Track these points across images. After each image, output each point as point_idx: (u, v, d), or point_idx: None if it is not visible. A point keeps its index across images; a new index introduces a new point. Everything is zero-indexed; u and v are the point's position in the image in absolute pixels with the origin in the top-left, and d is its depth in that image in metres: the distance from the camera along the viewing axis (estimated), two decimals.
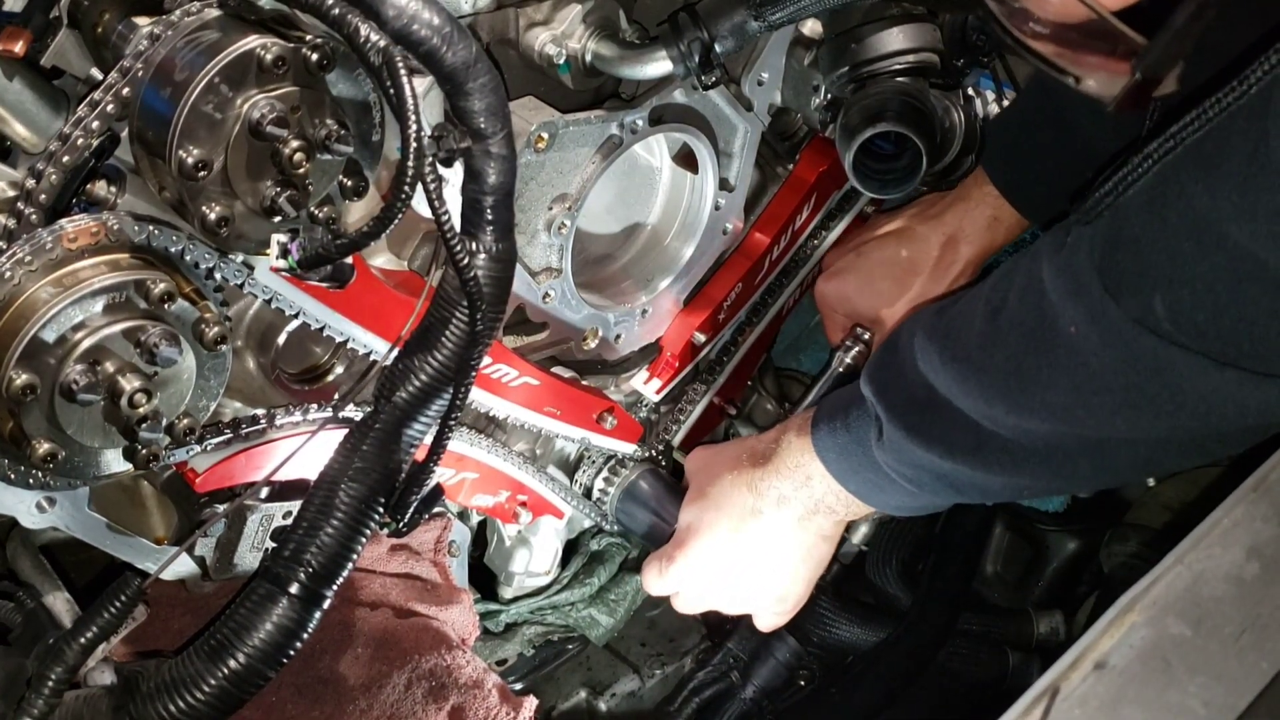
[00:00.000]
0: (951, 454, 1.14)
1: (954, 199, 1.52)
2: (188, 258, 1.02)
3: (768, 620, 1.44)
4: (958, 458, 1.14)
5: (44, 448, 0.94)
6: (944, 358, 1.13)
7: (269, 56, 0.93)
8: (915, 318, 1.21)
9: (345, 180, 1.02)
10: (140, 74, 0.93)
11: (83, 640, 1.04)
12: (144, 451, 1.00)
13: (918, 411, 1.15)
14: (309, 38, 0.95)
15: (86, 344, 0.94)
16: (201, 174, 0.92)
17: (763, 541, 1.33)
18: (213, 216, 0.95)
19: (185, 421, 1.02)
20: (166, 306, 0.98)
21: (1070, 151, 1.34)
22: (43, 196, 0.95)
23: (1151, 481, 2.03)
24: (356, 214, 1.15)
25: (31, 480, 1.01)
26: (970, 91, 1.55)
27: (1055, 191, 1.27)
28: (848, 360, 1.49)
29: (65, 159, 0.95)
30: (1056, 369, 1.03)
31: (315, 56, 0.95)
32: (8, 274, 0.93)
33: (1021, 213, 1.48)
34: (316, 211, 1.01)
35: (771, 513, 1.32)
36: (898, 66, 1.30)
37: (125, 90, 0.93)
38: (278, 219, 0.98)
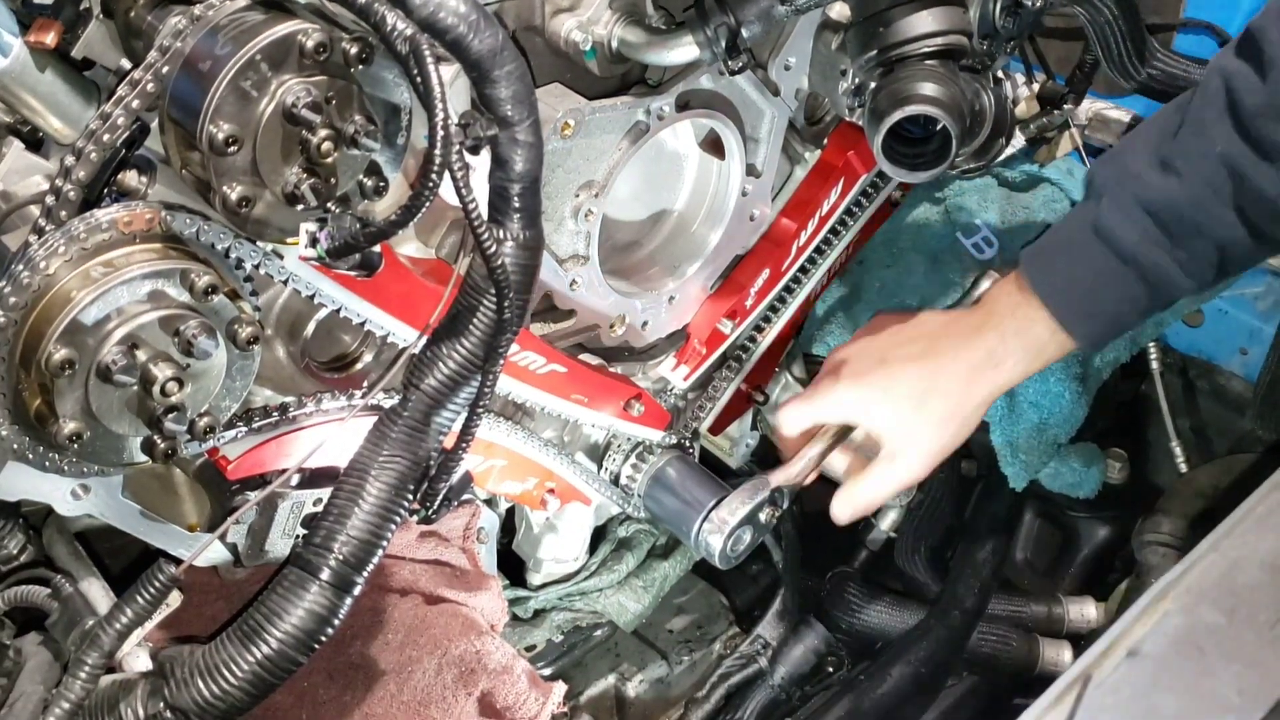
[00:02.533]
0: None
1: (990, 314, 1.26)
2: (232, 255, 1.03)
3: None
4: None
5: (70, 426, 0.95)
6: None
7: (310, 43, 0.93)
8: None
9: (365, 180, 1.03)
10: (183, 48, 0.94)
11: (118, 626, 1.05)
12: (163, 445, 1.01)
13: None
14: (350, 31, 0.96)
15: (128, 327, 0.95)
16: (231, 149, 0.93)
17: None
18: (234, 196, 0.95)
19: (206, 420, 1.03)
20: (209, 300, 0.99)
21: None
22: (75, 187, 0.96)
23: (1184, 467, 2.01)
24: (384, 203, 1.15)
25: (65, 466, 1.03)
26: (1000, 74, 1.53)
27: (1119, 314, 1.20)
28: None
29: (97, 149, 0.96)
30: None
31: (355, 49, 0.96)
32: (43, 263, 0.94)
33: (1076, 337, 1.23)
34: (334, 207, 1.02)
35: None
36: (926, 49, 1.28)
37: (165, 68, 0.94)
38: (299, 207, 0.99)
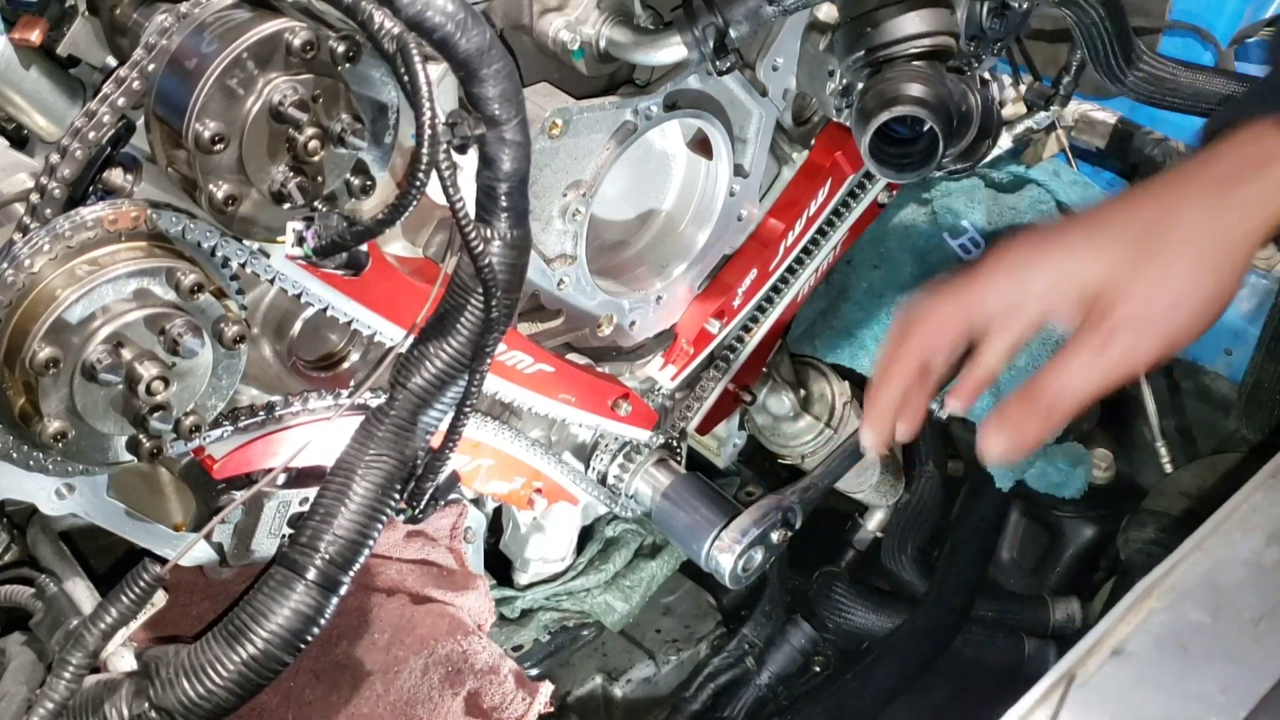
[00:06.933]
0: None
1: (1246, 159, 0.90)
2: (219, 253, 1.03)
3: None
4: None
5: (55, 425, 0.95)
6: None
7: (297, 41, 0.93)
8: None
9: (352, 179, 1.03)
10: (169, 45, 0.94)
11: (103, 626, 1.05)
12: (148, 444, 1.00)
13: None
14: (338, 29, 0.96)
15: (113, 325, 0.95)
16: (217, 147, 0.93)
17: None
18: (220, 194, 0.95)
19: (192, 419, 1.02)
20: (195, 298, 0.98)
21: None
22: (60, 185, 0.96)
23: (1169, 467, 2.02)
24: (371, 202, 1.15)
25: (49, 465, 1.02)
26: (987, 75, 1.54)
27: None
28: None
29: (82, 147, 0.95)
30: None
31: (342, 47, 0.96)
32: (27, 261, 0.93)
33: None
34: (321, 205, 1.01)
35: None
36: (914, 50, 1.29)
37: (151, 66, 0.94)
38: (286, 206, 0.99)
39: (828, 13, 1.45)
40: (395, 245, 1.28)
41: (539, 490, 1.56)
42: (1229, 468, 1.89)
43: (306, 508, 1.11)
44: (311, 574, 1.03)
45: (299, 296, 1.16)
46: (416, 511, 1.16)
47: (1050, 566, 2.09)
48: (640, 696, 1.77)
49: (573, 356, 1.51)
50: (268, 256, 1.10)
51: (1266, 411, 1.93)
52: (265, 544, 1.27)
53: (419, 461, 1.11)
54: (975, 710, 1.90)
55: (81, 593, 1.17)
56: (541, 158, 1.26)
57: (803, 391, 1.91)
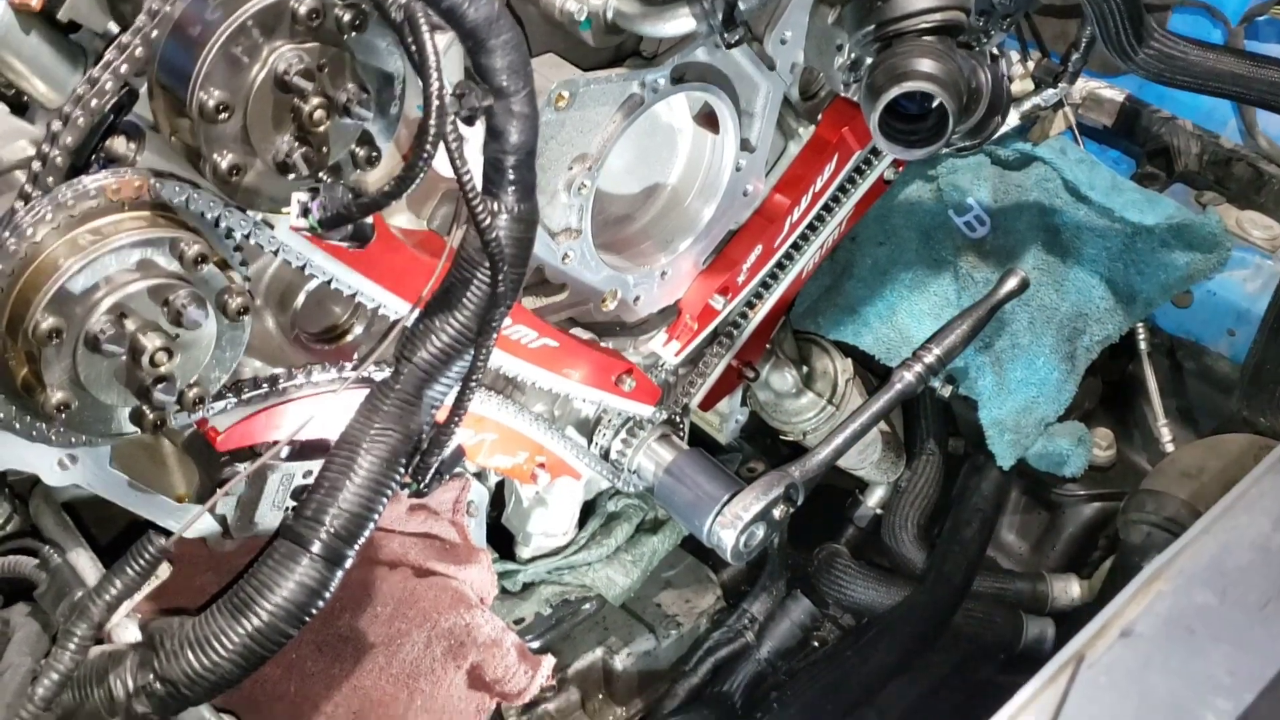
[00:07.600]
0: None
1: None
2: (222, 224, 1.02)
3: None
4: None
5: (58, 396, 0.94)
6: None
7: (303, 9, 0.92)
8: None
9: (358, 150, 1.02)
10: (173, 11, 0.92)
11: (107, 597, 1.05)
12: (151, 415, 1.00)
13: None
14: None
15: (116, 296, 0.94)
16: (222, 116, 0.92)
17: None
18: (225, 164, 0.94)
19: (195, 390, 1.02)
20: (199, 269, 0.97)
21: None
22: (62, 153, 0.94)
23: (1169, 447, 2.02)
24: (377, 173, 1.14)
25: (52, 436, 1.01)
26: (996, 51, 1.52)
27: None
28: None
29: (84, 114, 0.94)
30: None
31: (348, 16, 0.94)
32: (30, 230, 0.92)
33: None
34: (326, 176, 1.00)
35: None
36: (924, 25, 1.27)
37: (154, 32, 0.92)
38: (291, 176, 0.98)
39: None
40: (400, 218, 1.27)
41: (542, 465, 1.56)
42: (1230, 448, 1.89)
43: (310, 481, 1.11)
44: (316, 547, 1.03)
45: (303, 269, 1.15)
46: (421, 486, 1.15)
47: (1049, 545, 2.10)
48: (640, 670, 1.78)
49: (577, 331, 1.50)
50: (272, 228, 1.09)
51: (1268, 392, 1.93)
52: (269, 517, 1.27)
53: (424, 436, 1.10)
54: (973, 685, 1.92)
55: (85, 564, 1.17)
56: (547, 130, 1.25)
57: (805, 368, 1.90)
